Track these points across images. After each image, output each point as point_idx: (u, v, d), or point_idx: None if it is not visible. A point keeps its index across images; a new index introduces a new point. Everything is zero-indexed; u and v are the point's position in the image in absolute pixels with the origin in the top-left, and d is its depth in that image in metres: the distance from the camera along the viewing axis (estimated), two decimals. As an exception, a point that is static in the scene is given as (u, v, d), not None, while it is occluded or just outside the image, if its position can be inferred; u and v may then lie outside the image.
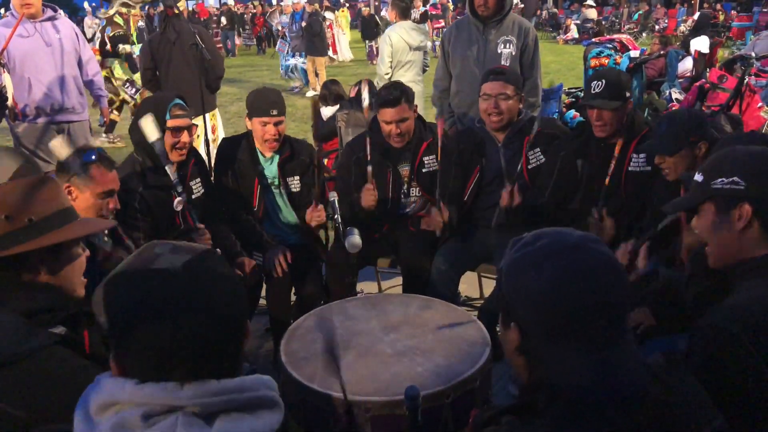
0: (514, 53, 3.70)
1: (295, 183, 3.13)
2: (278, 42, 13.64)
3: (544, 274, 1.06)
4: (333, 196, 2.95)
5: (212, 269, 1.04)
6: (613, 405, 1.01)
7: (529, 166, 3.04)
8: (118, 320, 1.01)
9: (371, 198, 3.01)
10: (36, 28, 4.26)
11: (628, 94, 2.75)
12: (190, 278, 1.01)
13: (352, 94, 5.17)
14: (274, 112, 2.92)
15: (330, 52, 16.61)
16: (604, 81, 2.72)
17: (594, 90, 2.74)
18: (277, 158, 3.09)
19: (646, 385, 1.05)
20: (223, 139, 3.35)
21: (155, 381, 0.97)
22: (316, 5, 13.81)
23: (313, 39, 12.00)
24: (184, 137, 2.72)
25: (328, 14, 16.45)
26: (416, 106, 3.15)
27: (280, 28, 12.98)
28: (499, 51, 3.70)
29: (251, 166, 3.06)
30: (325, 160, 5.08)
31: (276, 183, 3.13)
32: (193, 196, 2.89)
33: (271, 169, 3.12)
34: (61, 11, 4.52)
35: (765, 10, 18.76)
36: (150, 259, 1.03)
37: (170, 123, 2.67)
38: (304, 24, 12.20)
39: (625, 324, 1.08)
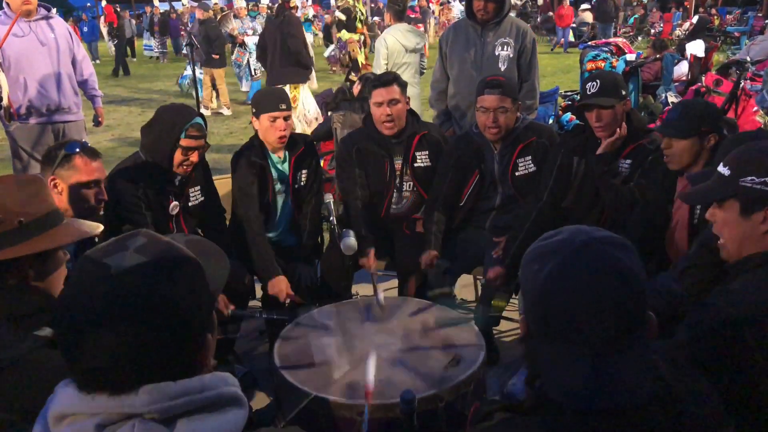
0: (511, 55, 3.71)
1: (303, 176, 3.17)
2: (235, 50, 11.56)
3: (545, 269, 1.01)
4: (328, 198, 2.94)
5: (159, 265, 0.95)
6: (601, 416, 0.97)
7: (517, 173, 3.05)
8: (61, 329, 0.95)
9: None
10: (31, 27, 4.21)
11: (624, 93, 2.77)
12: (133, 280, 0.92)
13: (356, 90, 5.18)
14: (283, 106, 2.99)
15: None
16: (598, 81, 2.75)
17: (590, 91, 2.76)
18: (288, 156, 3.11)
19: (645, 398, 0.98)
20: (235, 153, 3.22)
21: (105, 393, 0.91)
22: (210, 12, 12.57)
23: (209, 48, 10.31)
24: (194, 157, 2.71)
25: None
26: (408, 98, 3.19)
27: (236, 34, 11.65)
28: (496, 53, 3.71)
29: (266, 170, 3.05)
30: (321, 161, 5.07)
31: (285, 180, 3.14)
32: (191, 204, 2.88)
33: (284, 168, 3.13)
34: (54, 10, 4.49)
35: (759, 15, 18.84)
36: (93, 264, 0.95)
37: (183, 142, 2.65)
38: (197, 32, 10.36)
39: (635, 331, 1.00)
